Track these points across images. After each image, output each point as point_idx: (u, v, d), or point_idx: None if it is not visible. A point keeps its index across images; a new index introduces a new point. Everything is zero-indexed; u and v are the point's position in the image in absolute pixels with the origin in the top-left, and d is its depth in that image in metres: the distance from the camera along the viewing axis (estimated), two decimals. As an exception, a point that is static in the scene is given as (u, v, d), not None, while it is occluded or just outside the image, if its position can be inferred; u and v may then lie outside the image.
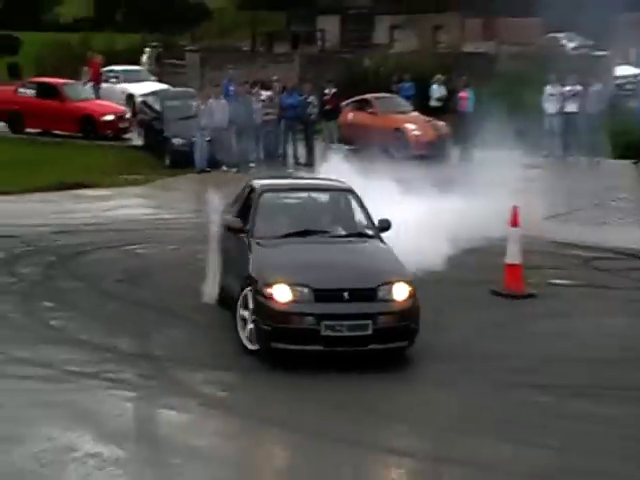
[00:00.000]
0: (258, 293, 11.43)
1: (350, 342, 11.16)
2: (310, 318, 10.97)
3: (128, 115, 31.41)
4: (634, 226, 20.13)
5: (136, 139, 30.08)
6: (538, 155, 24.32)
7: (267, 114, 26.66)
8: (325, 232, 12.72)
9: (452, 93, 28.43)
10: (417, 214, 15.26)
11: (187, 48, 45.70)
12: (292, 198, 13.93)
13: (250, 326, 11.54)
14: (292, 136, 26.85)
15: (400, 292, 11.40)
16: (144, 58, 40.92)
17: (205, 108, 26.03)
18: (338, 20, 57.81)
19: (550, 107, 27.08)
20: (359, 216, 13.12)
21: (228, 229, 13.13)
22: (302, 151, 26.91)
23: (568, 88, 27.55)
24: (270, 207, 13.13)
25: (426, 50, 43.88)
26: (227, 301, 12.71)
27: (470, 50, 44.06)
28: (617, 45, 36.68)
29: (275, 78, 29.20)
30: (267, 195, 13.25)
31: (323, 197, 13.83)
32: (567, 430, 9.63)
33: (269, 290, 11.24)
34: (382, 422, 9.62)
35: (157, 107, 28.23)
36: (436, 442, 9.25)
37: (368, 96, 29.59)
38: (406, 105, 29.40)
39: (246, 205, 13.25)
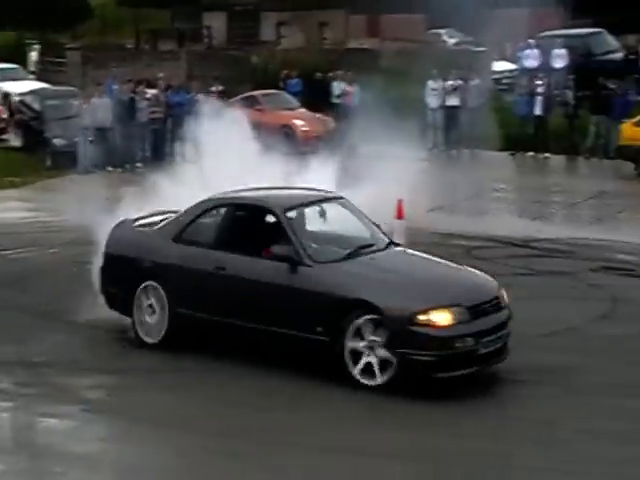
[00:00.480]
0: (399, 322, 10.45)
1: (492, 357, 10.76)
2: (470, 339, 10.34)
3: (5, 115, 30.45)
4: (513, 215, 20.71)
5: (14, 140, 28.98)
6: (422, 148, 24.70)
7: (153, 112, 26.38)
8: (371, 245, 11.92)
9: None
10: None
11: (68, 46, 44.74)
12: (310, 213, 12.52)
13: (369, 359, 10.53)
14: (179, 134, 26.51)
15: (505, 297, 11.24)
16: (33, 57, 40.08)
17: (87, 107, 25.55)
18: (224, 17, 57.72)
19: (432, 101, 27.69)
20: (367, 223, 12.54)
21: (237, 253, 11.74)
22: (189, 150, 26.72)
23: (449, 83, 28.16)
24: (302, 226, 11.99)
25: (312, 47, 44.33)
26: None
27: (355, 46, 44.70)
28: (494, 41, 37.57)
29: (160, 76, 28.93)
30: (292, 214, 11.93)
31: (333, 209, 12.61)
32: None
33: (424, 317, 10.34)
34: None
35: (36, 107, 27.52)
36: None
37: (255, 93, 29.73)
38: (293, 101, 29.60)
39: (233, 229, 12.09)
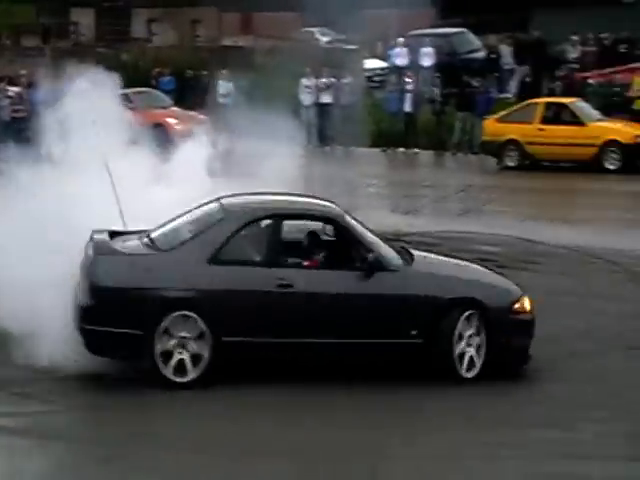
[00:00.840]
0: (502, 312, 10.92)
1: None
2: None
3: None
4: (385, 210, 20.70)
5: None
6: (297, 145, 24.75)
7: (16, 111, 25.82)
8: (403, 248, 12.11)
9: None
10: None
11: None
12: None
13: (472, 352, 10.81)
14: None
15: None
16: None
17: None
18: (93, 13, 56.91)
19: (306, 99, 27.96)
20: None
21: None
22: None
23: (322, 80, 28.41)
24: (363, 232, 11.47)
25: (185, 44, 44.21)
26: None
27: (228, 44, 44.50)
28: (365, 40, 38.09)
29: (22, 73, 28.37)
30: (348, 218, 11.43)
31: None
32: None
33: (518, 305, 11.05)
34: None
35: None
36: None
37: (127, 91, 29.44)
38: (166, 100, 29.45)
39: (287, 242, 11.25)
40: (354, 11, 39.02)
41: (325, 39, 40.87)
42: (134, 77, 33.38)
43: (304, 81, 28.16)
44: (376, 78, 32.72)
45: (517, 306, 11.11)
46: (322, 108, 27.54)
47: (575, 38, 31.25)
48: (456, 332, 10.73)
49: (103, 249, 10.86)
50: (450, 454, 8.78)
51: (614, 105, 25.83)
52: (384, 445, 8.98)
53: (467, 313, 10.83)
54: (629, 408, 9.97)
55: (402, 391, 10.49)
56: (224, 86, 29.33)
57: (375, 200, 22.24)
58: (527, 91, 28.01)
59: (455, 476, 8.64)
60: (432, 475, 8.54)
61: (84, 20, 56.44)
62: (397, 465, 8.70)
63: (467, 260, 12.81)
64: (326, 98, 28.17)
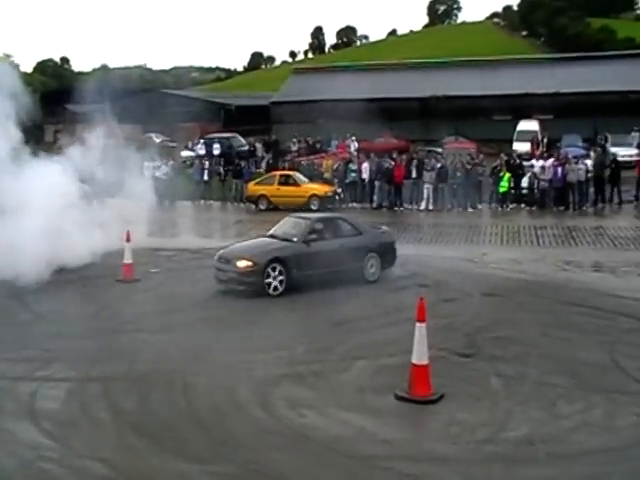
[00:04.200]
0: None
1: None
2: None
3: None
4: (192, 235, 19.98)
5: None
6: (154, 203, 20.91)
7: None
8: None
9: None
10: None
11: None
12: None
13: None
14: None
15: None
16: None
17: None
18: None
19: (147, 174, 25.19)
20: None
21: None
22: None
23: (157, 163, 27.20)
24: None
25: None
26: None
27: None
28: (182, 140, 38.35)
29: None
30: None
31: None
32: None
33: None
34: None
35: None
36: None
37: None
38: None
39: None
40: (174, 124, 39.62)
41: (158, 140, 40.73)
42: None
43: (145, 164, 25.81)
44: (187, 161, 32.53)
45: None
46: (157, 180, 25.07)
47: (294, 140, 32.91)
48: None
49: None
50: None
51: (314, 175, 26.49)
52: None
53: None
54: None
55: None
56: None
57: (187, 229, 21.73)
58: (270, 168, 28.24)
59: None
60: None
61: None
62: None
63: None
64: (158, 173, 26.85)
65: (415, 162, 25.18)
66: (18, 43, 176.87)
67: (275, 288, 12.76)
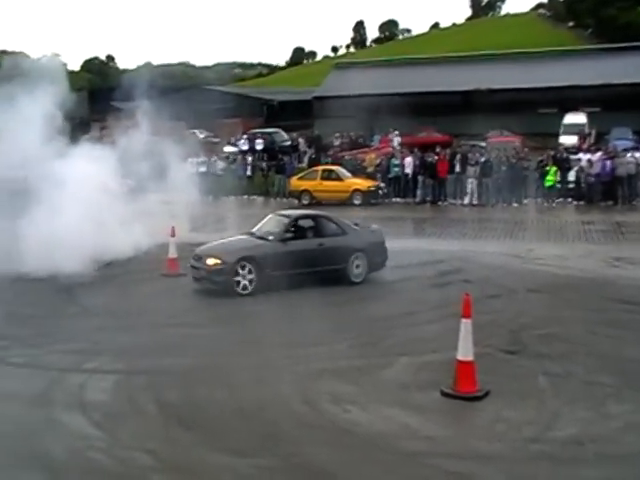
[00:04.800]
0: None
1: None
2: None
3: None
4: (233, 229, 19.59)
5: None
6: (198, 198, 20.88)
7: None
8: None
9: None
10: None
11: None
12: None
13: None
14: None
15: None
16: None
17: None
18: None
19: (193, 169, 25.00)
20: None
21: None
22: None
23: (200, 159, 27.55)
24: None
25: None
26: None
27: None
28: (225, 136, 38.56)
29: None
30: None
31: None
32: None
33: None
34: None
35: None
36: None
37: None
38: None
39: None
40: (217, 119, 39.87)
41: (202, 136, 41.11)
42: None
43: (190, 160, 26.13)
44: (230, 157, 32.52)
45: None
46: (202, 175, 25.67)
47: (337, 135, 32.81)
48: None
49: None
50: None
51: (357, 170, 26.38)
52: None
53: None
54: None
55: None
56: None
57: (231, 225, 21.20)
58: (313, 163, 28.22)
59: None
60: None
61: None
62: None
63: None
64: (202, 169, 27.36)
65: (459, 156, 24.95)
66: (65, 42, 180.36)
67: (244, 287, 12.45)
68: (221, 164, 28.77)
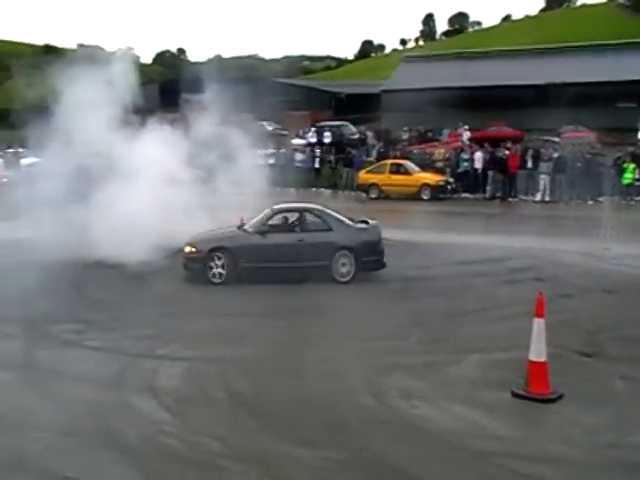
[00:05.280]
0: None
1: None
2: None
3: None
4: None
5: None
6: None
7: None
8: None
9: None
10: None
11: None
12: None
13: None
14: None
15: None
16: None
17: None
18: None
19: (261, 161, 25.87)
20: None
21: None
22: None
23: (269, 151, 27.89)
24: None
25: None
26: None
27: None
28: (292, 128, 38.69)
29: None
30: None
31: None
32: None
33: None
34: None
35: None
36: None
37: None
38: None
39: None
40: (285, 112, 40.01)
41: (270, 128, 41.42)
42: None
43: (258, 152, 26.32)
44: (297, 148, 32.86)
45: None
46: (270, 166, 25.56)
47: (405, 129, 32.56)
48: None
49: None
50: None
51: (426, 164, 26.19)
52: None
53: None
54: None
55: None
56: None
57: None
58: (381, 156, 28.22)
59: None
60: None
61: None
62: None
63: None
64: (271, 160, 27.61)
65: (531, 152, 24.36)
66: (138, 36, 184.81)
67: (216, 275, 12.71)
68: (300, 156, 28.89)
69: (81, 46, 44.97)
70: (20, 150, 23.47)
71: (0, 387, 8.24)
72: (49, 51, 65.28)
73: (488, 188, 24.47)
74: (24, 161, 22.56)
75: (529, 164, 24.00)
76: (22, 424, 7.21)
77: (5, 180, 22.40)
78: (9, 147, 28.64)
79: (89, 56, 16.17)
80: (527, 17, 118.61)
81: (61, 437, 6.95)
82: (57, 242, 13.75)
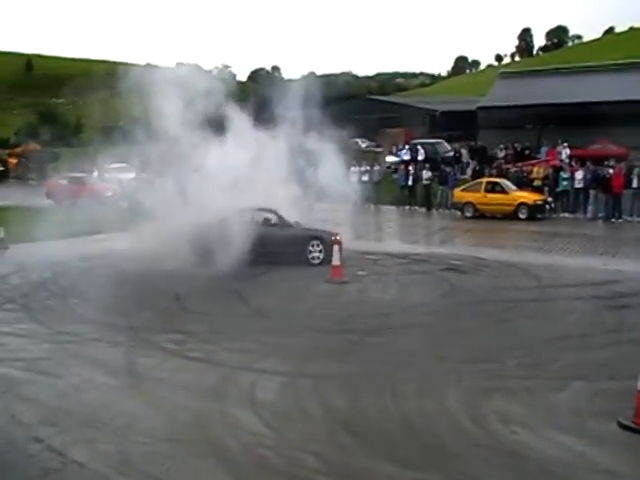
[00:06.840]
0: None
1: None
2: None
3: None
4: (397, 240, 20.40)
5: None
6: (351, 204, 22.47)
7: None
8: None
9: None
10: None
11: None
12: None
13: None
14: None
15: None
16: None
17: None
18: None
19: (354, 178, 26.25)
20: None
21: None
22: None
23: (362, 168, 28.05)
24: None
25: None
26: None
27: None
28: (386, 145, 38.60)
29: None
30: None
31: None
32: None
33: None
34: None
35: None
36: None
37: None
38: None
39: None
40: (379, 129, 40.08)
41: (364, 145, 41.47)
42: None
43: (353, 168, 27.47)
44: (392, 167, 32.85)
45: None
46: (363, 183, 26.57)
47: (501, 146, 31.86)
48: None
49: None
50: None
51: (523, 183, 25.61)
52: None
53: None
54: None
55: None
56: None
57: (392, 235, 22.16)
58: (476, 174, 27.90)
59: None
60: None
61: None
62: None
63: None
64: (365, 177, 27.98)
65: (637, 170, 23.35)
66: (235, 54, 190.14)
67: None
68: (381, 173, 28.87)
69: (180, 64, 46.84)
70: (121, 165, 24.67)
71: (107, 392, 8.52)
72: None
73: (590, 208, 23.63)
74: (124, 175, 23.70)
75: (634, 183, 23.04)
76: (127, 429, 7.44)
77: (110, 194, 23.53)
78: (114, 163, 30.00)
79: (186, 73, 16.89)
80: (632, 29, 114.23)
81: (163, 443, 7.11)
82: (159, 253, 14.27)
